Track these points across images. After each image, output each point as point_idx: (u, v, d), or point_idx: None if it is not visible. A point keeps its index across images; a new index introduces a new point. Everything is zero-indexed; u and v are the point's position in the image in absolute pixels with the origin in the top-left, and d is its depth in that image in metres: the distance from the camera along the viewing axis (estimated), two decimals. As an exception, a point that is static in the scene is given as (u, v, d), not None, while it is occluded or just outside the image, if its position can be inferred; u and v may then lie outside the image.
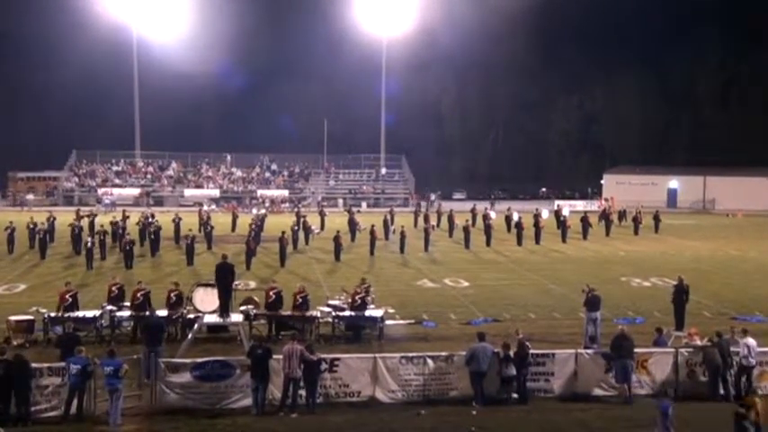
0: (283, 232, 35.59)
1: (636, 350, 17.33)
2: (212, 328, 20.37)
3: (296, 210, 53.39)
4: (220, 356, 17.12)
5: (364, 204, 70.33)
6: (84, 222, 40.40)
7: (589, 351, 18.25)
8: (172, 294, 21.29)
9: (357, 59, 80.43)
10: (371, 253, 37.62)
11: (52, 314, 20.65)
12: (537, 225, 42.95)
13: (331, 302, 22.90)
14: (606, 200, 67.73)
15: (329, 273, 32.68)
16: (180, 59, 77.51)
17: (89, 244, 33.58)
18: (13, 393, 15.15)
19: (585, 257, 38.16)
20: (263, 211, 53.82)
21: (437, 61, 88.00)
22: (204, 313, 19.88)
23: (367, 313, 21.63)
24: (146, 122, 76.63)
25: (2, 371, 15.03)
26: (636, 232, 47.57)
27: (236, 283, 21.51)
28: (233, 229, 45.82)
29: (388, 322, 22.06)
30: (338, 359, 16.86)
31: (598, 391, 17.29)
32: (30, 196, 66.64)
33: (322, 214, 49.05)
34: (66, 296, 21.12)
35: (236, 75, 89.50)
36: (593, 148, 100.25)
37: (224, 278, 19.48)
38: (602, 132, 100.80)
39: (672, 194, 78.84)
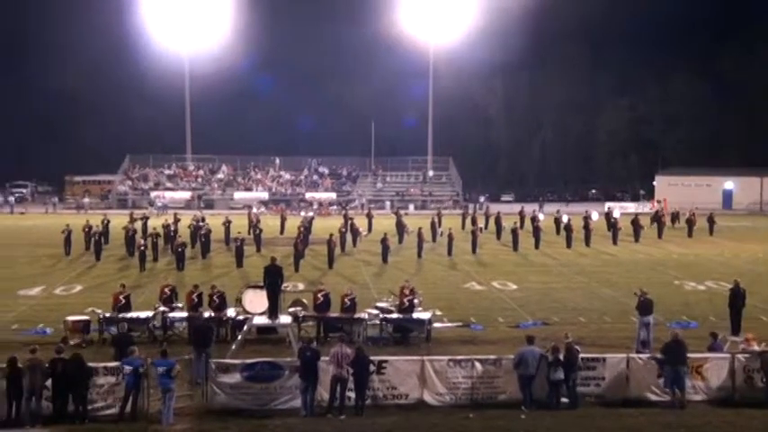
0: (331, 235, 35.79)
1: (691, 355, 16.99)
2: (261, 329, 20.55)
3: (343, 212, 53.64)
4: (269, 358, 17.30)
5: (411, 207, 70.33)
6: (138, 225, 41.22)
7: (641, 356, 17.94)
8: (214, 297, 21.60)
9: (404, 62, 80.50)
10: (419, 255, 37.59)
11: (107, 315, 21.13)
12: (587, 227, 42.39)
13: (378, 305, 22.94)
14: (659, 201, 66.52)
15: (377, 275, 32.75)
16: (229, 64, 78.71)
17: (142, 246, 34.27)
18: (70, 391, 15.54)
19: (637, 260, 37.53)
20: (311, 213, 54.20)
21: (484, 63, 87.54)
22: (253, 315, 20.10)
23: (414, 316, 21.65)
24: (196, 127, 77.90)
25: (59, 369, 15.42)
26: (690, 234, 46.60)
27: (285, 285, 21.69)
28: (281, 231, 46.19)
29: (435, 325, 22.06)
30: (386, 361, 16.88)
31: (651, 397, 16.98)
32: (85, 199, 68.24)
33: (369, 216, 49.18)
34: (120, 297, 21.60)
35: (283, 78, 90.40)
36: (643, 148, 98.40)
37: (273, 280, 19.66)
38: (653, 133, 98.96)
39: (727, 196, 77.07)
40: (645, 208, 65.87)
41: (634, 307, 20.97)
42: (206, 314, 20.79)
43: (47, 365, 15.42)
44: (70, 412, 15.50)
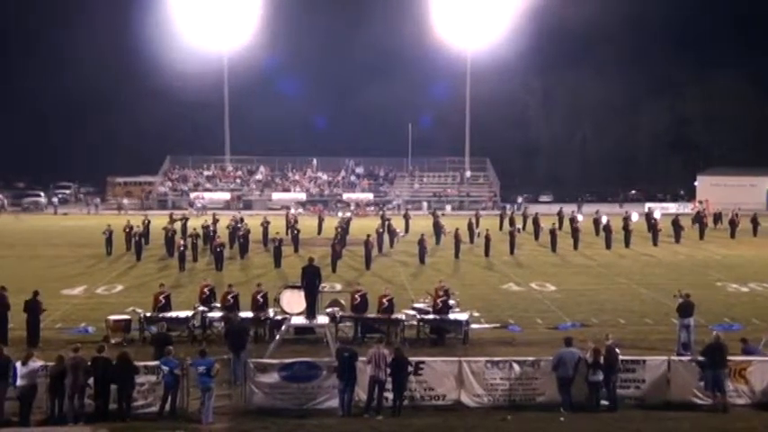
0: (368, 235, 35.84)
1: (734, 358, 16.72)
2: (299, 329, 20.68)
3: (381, 213, 53.69)
4: (307, 358, 17.38)
5: (449, 207, 70.13)
6: (177, 226, 41.70)
7: (682, 358, 17.67)
8: (258, 297, 21.75)
9: (441, 62, 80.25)
10: (456, 256, 37.48)
11: (148, 314, 21.43)
12: (626, 228, 41.87)
13: (416, 305, 22.92)
14: (700, 202, 65.44)
15: (414, 276, 32.73)
16: (266, 66, 79.25)
17: (182, 247, 34.67)
18: (112, 390, 15.77)
19: (678, 261, 36.97)
20: (348, 214, 54.33)
21: (522, 63, 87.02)
22: (291, 315, 20.23)
23: (451, 317, 21.59)
24: (235, 128, 78.62)
25: (101, 368, 15.67)
26: (732, 236, 45.77)
27: (323, 285, 21.78)
28: (319, 232, 46.39)
29: (473, 326, 21.98)
30: (423, 362, 16.86)
31: (693, 400, 16.73)
32: (125, 200, 69.26)
33: (407, 217, 49.16)
34: (160, 297, 21.88)
35: (320, 79, 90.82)
36: (685, 148, 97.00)
37: (310, 281, 19.77)
38: (695, 133, 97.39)
39: (772, 196, 75.46)
40: (686, 209, 64.84)
41: (675, 309, 20.65)
42: (241, 315, 20.95)
43: (89, 364, 15.68)
44: (112, 410, 15.75)
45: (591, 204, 66.69)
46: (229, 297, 21.75)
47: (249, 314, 21.31)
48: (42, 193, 74.21)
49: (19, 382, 15.47)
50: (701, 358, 16.79)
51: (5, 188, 78.65)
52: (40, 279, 30.48)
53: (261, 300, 21.69)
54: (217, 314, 21.70)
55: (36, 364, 15.78)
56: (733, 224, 46.38)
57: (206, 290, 22.57)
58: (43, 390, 15.63)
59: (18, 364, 15.60)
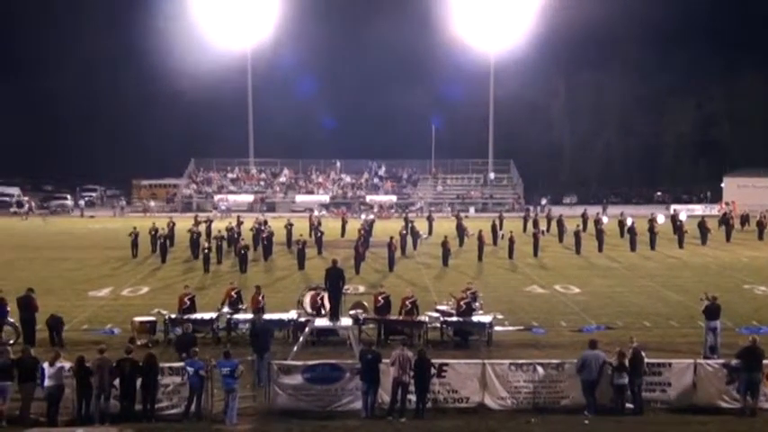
0: (392, 237, 35.86)
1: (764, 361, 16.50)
2: (323, 331, 20.75)
3: (404, 215, 53.67)
4: (331, 360, 17.42)
5: (472, 209, 69.96)
6: (202, 228, 41.97)
7: (709, 361, 17.48)
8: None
9: (465, 63, 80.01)
10: (479, 258, 37.37)
11: (173, 316, 21.60)
12: (652, 230, 41.51)
13: (439, 308, 22.90)
14: (727, 204, 64.69)
15: (437, 278, 32.68)
16: (290, 68, 79.47)
17: (206, 249, 34.91)
18: (138, 391, 15.92)
19: (704, 264, 36.56)
20: (371, 216, 54.37)
21: (546, 64, 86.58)
22: (315, 317, 20.28)
23: (475, 319, 21.55)
24: (259, 131, 79.01)
25: (127, 369, 15.83)
26: (760, 237, 45.21)
27: (346, 287, 21.84)
28: (342, 234, 46.48)
29: (497, 328, 21.92)
30: (447, 364, 16.84)
31: (719, 404, 16.54)
32: (151, 203, 69.86)
33: (430, 219, 49.09)
34: (185, 299, 22.05)
35: (344, 82, 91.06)
36: (711, 149, 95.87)
37: (334, 282, 19.83)
38: (722, 133, 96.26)
39: (800, 198, 74.26)
40: (712, 210, 64.18)
41: (701, 311, 20.44)
42: (266, 317, 21.04)
43: (114, 365, 15.84)
44: (137, 411, 15.90)
45: (615, 206, 66.20)
46: (260, 298, 21.87)
47: (275, 316, 21.42)
48: (69, 196, 75.05)
49: (46, 382, 15.68)
50: (735, 361, 16.57)
51: (33, 191, 79.75)
52: (66, 281, 30.93)
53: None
54: (241, 316, 21.83)
55: (63, 364, 15.97)
56: (760, 226, 45.80)
57: (233, 293, 22.68)
58: (70, 390, 15.82)
59: (45, 365, 15.81)
